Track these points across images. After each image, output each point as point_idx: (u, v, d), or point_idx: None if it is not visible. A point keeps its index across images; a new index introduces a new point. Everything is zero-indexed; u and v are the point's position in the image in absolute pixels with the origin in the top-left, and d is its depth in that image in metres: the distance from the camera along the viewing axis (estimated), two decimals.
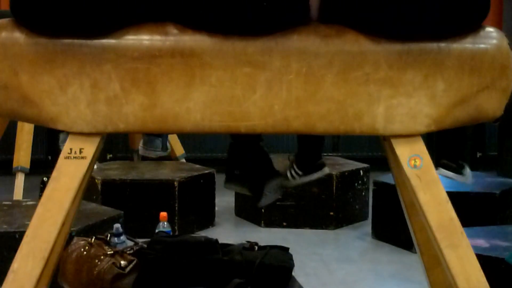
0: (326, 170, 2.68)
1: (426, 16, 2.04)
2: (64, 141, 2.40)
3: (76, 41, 2.02)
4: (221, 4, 2.00)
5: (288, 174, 2.65)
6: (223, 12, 2.01)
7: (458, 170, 2.50)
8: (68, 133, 2.09)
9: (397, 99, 2.05)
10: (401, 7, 2.03)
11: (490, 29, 2.11)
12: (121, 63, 2.03)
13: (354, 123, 2.07)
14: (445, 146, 2.49)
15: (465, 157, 2.56)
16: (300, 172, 2.62)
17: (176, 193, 4.32)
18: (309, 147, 2.64)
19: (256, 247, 2.74)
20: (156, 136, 2.54)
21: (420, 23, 2.05)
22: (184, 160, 5.11)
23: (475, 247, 2.10)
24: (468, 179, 2.56)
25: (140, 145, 2.63)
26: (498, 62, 2.07)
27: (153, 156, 2.58)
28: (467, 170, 2.54)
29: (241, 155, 2.60)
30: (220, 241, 2.76)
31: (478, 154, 6.05)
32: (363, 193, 4.75)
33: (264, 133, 2.22)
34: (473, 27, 2.08)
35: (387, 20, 2.04)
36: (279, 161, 4.51)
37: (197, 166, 4.79)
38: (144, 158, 4.56)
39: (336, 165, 4.70)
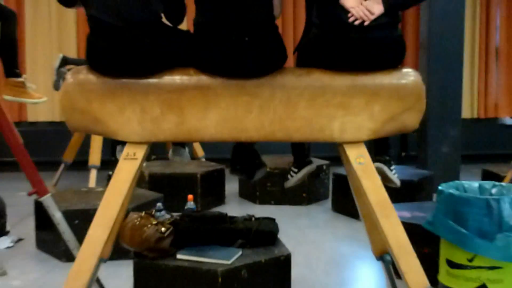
0: (314, 166, 2.61)
1: (366, 61, 2.05)
2: (120, 151, 2.38)
3: (130, 80, 2.03)
4: (229, 61, 2.00)
5: (289, 176, 2.60)
6: (231, 65, 2.01)
7: (388, 164, 2.46)
8: (123, 147, 2.09)
9: (348, 117, 2.04)
10: (349, 56, 2.04)
11: (410, 69, 2.12)
12: (161, 94, 2.03)
13: (319, 134, 2.07)
14: (378, 148, 2.46)
15: (391, 155, 2.51)
16: (295, 170, 2.56)
17: (199, 182, 4.31)
18: (298, 150, 2.59)
19: (253, 218, 2.74)
20: (181, 146, 2.51)
21: (363, 65, 2.05)
22: (204, 160, 5.11)
23: (401, 217, 2.10)
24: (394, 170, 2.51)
25: (170, 152, 2.59)
26: (415, 92, 2.07)
27: (178, 161, 2.54)
28: (393, 166, 2.50)
29: (240, 154, 2.58)
30: (229, 215, 2.75)
31: (403, 154, 6.06)
32: (325, 181, 4.73)
33: (257, 141, 2.22)
34: (395, 67, 2.09)
35: (340, 64, 2.05)
36: (271, 160, 4.52)
37: (212, 163, 4.78)
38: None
39: None
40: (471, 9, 6.21)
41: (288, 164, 2.82)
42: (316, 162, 4.92)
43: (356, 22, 2.00)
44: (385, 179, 2.39)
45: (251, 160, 2.53)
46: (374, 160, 2.36)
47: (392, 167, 2.44)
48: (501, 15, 6.33)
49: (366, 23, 2.00)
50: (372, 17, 2.00)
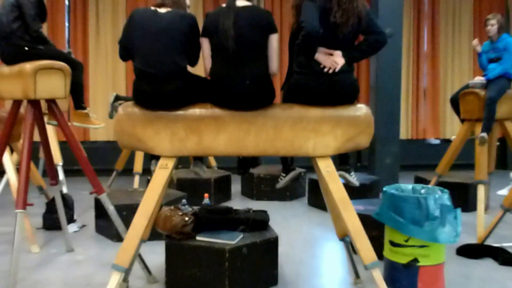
0: (297, 171, 2.56)
1: (331, 98, 2.06)
2: (154, 164, 2.36)
3: (164, 112, 2.03)
4: (234, 98, 2.01)
5: (279, 179, 2.58)
6: (236, 101, 2.02)
7: (348, 171, 2.45)
8: (157, 161, 2.07)
9: (318, 138, 2.05)
10: (319, 95, 2.04)
11: (362, 105, 2.12)
12: (186, 121, 2.03)
13: (298, 150, 2.07)
14: (341, 160, 2.44)
15: (350, 164, 2.49)
16: (284, 174, 2.54)
17: (212, 184, 4.29)
18: (285, 161, 2.58)
19: (251, 211, 2.72)
20: (200, 160, 2.49)
21: (329, 101, 2.06)
22: (216, 168, 5.09)
23: (357, 210, 2.09)
24: (354, 177, 2.49)
25: (192, 164, 2.56)
26: (366, 121, 2.08)
27: (197, 170, 2.51)
28: (352, 172, 2.49)
29: (243, 162, 2.56)
30: (234, 208, 2.74)
31: (358, 164, 6.04)
32: (303, 184, 4.71)
33: (254, 155, 2.21)
34: (352, 103, 2.10)
35: (313, 100, 2.05)
36: (265, 168, 4.49)
37: (222, 171, 4.75)
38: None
39: None
40: (406, 62, 6.31)
41: (278, 171, 2.79)
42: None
43: (326, 70, 2.02)
44: (347, 181, 2.39)
45: (252, 163, 2.50)
46: (338, 169, 2.36)
47: (352, 173, 2.44)
48: (427, 67, 6.50)
49: (331, 71, 2.02)
50: (338, 67, 2.03)
